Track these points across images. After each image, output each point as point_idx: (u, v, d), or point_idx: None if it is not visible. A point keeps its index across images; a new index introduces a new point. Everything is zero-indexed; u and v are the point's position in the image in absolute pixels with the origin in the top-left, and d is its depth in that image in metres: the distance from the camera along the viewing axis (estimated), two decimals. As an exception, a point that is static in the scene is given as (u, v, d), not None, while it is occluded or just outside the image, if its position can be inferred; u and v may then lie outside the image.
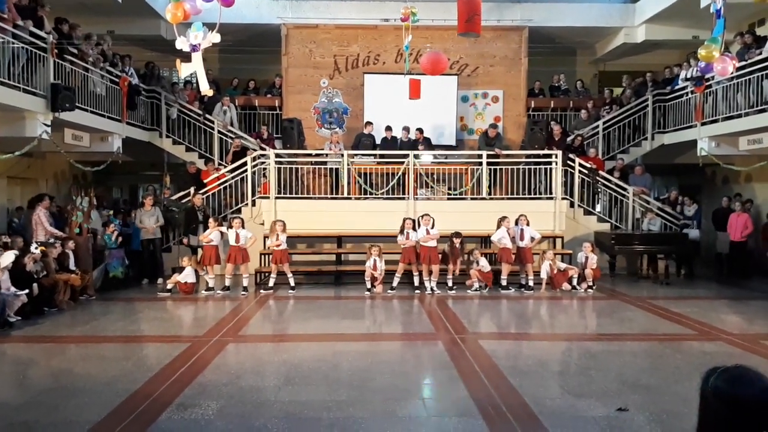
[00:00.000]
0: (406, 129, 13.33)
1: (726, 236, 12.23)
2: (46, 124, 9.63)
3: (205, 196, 11.98)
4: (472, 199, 12.35)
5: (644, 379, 5.55)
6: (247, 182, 12.34)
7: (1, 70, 8.66)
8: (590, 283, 10.59)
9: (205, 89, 7.01)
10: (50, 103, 9.59)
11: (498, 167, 12.53)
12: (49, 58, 9.69)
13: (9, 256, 7.87)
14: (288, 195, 12.20)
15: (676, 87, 13.77)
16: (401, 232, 10.41)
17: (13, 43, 8.96)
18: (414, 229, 10.42)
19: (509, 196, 12.32)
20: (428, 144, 13.49)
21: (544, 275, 10.69)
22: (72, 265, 9.53)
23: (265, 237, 11.23)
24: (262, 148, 13.05)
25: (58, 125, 10.23)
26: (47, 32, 9.84)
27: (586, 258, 10.76)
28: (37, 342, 7.17)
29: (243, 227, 10.44)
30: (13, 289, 7.88)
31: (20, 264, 8.16)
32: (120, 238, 10.78)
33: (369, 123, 13.63)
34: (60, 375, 5.79)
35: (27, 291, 8.02)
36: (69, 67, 10.40)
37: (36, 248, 8.72)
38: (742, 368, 1.50)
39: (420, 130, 13.46)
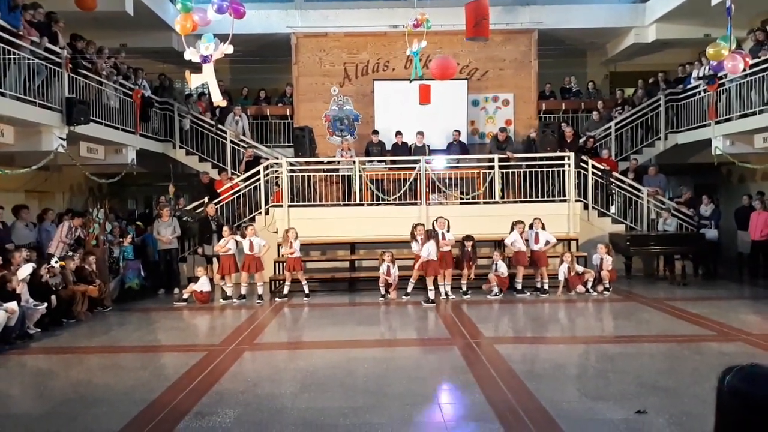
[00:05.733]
0: (421, 133, 13.36)
1: (747, 235, 12.02)
2: (61, 138, 9.77)
3: (218, 205, 12.07)
4: (484, 203, 12.32)
5: (663, 381, 5.49)
6: (260, 191, 12.42)
7: (17, 86, 8.80)
8: (606, 285, 10.50)
9: (218, 100, 7.08)
10: (65, 117, 9.74)
11: (510, 170, 12.49)
12: (63, 72, 9.83)
13: (27, 269, 7.97)
14: (301, 203, 12.26)
15: (689, 86, 13.65)
16: (413, 238, 10.33)
17: (29, 59, 9.10)
18: (429, 237, 10.09)
19: (522, 199, 12.27)
20: (463, 148, 13.56)
21: (561, 277, 10.60)
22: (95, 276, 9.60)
23: (279, 245, 11.28)
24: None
25: (74, 138, 10.37)
26: (61, 47, 9.98)
27: (602, 260, 10.67)
28: (56, 353, 7.26)
29: (256, 235, 10.50)
30: (32, 301, 7.98)
31: (38, 276, 8.25)
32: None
33: (375, 132, 13.66)
34: (79, 385, 5.84)
35: (46, 304, 8.11)
36: (83, 81, 10.55)
37: (56, 262, 8.83)
38: (759, 367, 1.48)
39: (457, 132, 13.60)
